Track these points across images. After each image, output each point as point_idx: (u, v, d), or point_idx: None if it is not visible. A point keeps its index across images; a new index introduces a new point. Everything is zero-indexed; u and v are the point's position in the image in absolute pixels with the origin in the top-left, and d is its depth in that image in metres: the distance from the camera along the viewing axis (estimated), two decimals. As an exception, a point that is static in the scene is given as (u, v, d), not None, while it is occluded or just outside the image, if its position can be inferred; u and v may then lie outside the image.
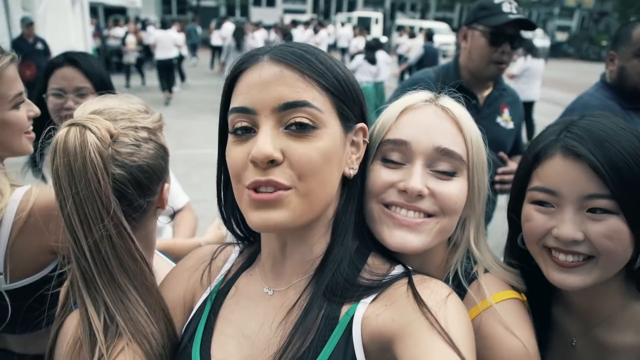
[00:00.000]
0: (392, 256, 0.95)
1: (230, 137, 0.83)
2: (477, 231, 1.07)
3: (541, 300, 1.12)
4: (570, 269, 0.99)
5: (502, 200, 1.19)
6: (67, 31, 10.51)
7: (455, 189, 0.98)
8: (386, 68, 9.67)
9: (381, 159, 1.01)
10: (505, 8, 2.11)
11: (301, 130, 0.78)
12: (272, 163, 0.77)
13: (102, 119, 0.95)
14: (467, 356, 0.71)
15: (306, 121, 0.78)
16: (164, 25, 13.33)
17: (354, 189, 0.92)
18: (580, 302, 1.10)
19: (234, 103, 0.82)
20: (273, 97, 0.78)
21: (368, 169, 1.00)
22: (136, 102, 1.11)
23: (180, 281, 1.02)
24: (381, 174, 0.99)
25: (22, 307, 1.22)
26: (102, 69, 2.00)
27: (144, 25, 17.17)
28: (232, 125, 0.82)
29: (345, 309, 0.83)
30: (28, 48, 8.17)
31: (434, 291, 0.81)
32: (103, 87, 1.88)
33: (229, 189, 0.91)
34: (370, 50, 9.35)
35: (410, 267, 0.91)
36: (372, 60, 9.22)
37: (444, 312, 0.77)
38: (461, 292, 1.01)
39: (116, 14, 19.55)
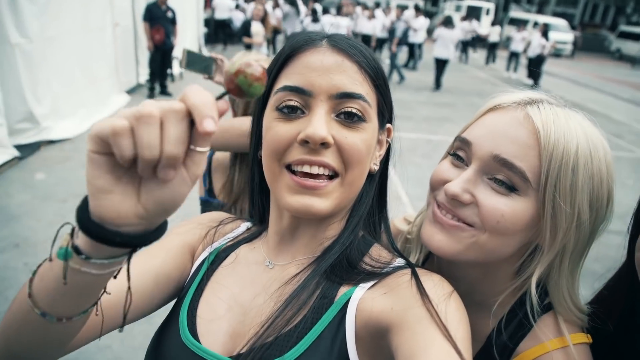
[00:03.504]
0: (396, 249, 0.94)
1: (274, 114, 0.83)
2: (557, 268, 0.91)
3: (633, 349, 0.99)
4: None
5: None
6: (182, 1, 11.12)
7: (504, 207, 0.86)
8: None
9: (451, 153, 0.97)
10: None
11: (352, 120, 0.81)
12: (323, 146, 0.79)
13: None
14: (464, 353, 0.68)
15: (358, 112, 0.81)
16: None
17: (373, 183, 0.94)
18: None
19: (287, 81, 0.82)
20: (332, 85, 0.80)
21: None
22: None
23: (189, 230, 1.02)
24: (440, 167, 0.97)
25: None
26: None
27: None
28: (279, 101, 0.82)
29: (342, 290, 0.83)
30: (160, 14, 9.11)
31: (437, 285, 0.79)
32: None
33: (256, 165, 0.94)
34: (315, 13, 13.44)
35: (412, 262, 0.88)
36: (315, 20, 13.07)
37: (445, 307, 0.74)
38: (525, 325, 0.93)
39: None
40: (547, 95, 0.95)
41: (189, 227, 1.03)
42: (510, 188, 0.87)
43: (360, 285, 0.82)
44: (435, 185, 0.96)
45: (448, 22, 13.24)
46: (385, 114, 0.90)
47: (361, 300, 0.80)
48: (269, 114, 0.84)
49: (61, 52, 6.53)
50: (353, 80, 0.81)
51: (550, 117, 0.87)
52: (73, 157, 6.11)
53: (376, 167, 0.92)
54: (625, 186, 6.97)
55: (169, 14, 9.21)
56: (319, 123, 0.77)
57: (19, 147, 5.80)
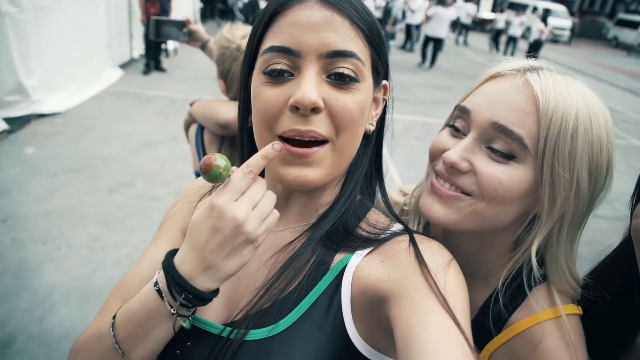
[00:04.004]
0: (394, 214, 0.92)
1: (261, 77, 0.77)
2: (555, 237, 0.91)
3: (629, 321, 0.99)
4: None
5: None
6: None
7: (501, 174, 0.85)
8: None
9: (449, 124, 0.96)
10: None
11: (344, 81, 0.75)
12: (314, 111, 0.74)
13: None
14: (463, 324, 0.67)
15: (350, 73, 0.75)
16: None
17: (369, 145, 0.90)
18: None
19: (273, 41, 0.76)
20: (322, 43, 0.73)
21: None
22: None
23: (177, 211, 1.00)
24: (439, 137, 0.96)
25: None
26: None
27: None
28: (266, 64, 0.76)
29: (339, 257, 0.81)
30: (155, -13, 8.77)
31: (436, 253, 0.77)
32: None
33: (246, 133, 0.90)
34: None
35: (409, 227, 0.86)
36: None
37: (444, 276, 0.73)
38: (519, 295, 0.94)
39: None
40: (547, 62, 0.94)
41: (177, 209, 1.01)
42: (508, 156, 0.86)
43: (357, 252, 0.81)
44: (434, 155, 0.96)
45: (443, 1, 13.50)
46: (381, 70, 0.84)
47: (358, 268, 0.79)
48: (257, 78, 0.79)
49: (53, 23, 6.39)
50: (344, 36, 0.74)
51: (550, 83, 0.85)
52: (64, 132, 6.03)
53: (372, 127, 0.87)
54: (616, 172, 7.00)
55: (164, -13, 9.02)
56: (309, 86, 0.72)
57: (8, 120, 5.70)
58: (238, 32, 2.04)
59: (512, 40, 16.79)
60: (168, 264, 0.71)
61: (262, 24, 0.79)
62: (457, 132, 0.93)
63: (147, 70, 9.32)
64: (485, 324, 0.96)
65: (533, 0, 29.28)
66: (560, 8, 27.67)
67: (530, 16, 18.96)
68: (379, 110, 0.89)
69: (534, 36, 14.87)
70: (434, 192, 0.93)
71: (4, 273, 3.40)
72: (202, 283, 0.70)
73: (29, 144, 5.56)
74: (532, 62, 0.93)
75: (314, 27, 0.73)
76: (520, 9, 17.81)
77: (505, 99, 0.86)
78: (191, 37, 2.41)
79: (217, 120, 1.98)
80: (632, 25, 29.01)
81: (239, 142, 0.93)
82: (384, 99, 0.89)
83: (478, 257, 1.00)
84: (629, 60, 24.27)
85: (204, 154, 2.16)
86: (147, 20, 8.77)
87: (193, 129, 2.21)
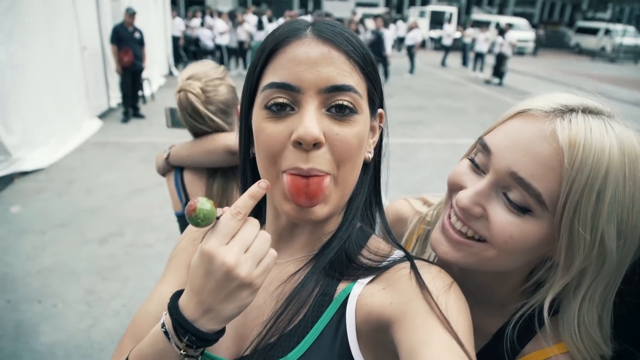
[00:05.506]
0: (394, 240, 0.93)
1: (263, 112, 0.79)
2: (572, 292, 0.85)
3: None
4: None
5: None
6: (148, 21, 11.10)
7: (513, 227, 0.81)
8: None
9: (470, 158, 0.92)
10: None
11: (343, 114, 0.77)
12: (315, 146, 0.75)
13: (194, 82, 1.86)
14: (466, 344, 0.68)
15: (349, 105, 0.77)
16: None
17: (368, 172, 0.92)
18: None
19: (273, 77, 0.78)
20: (321, 78, 0.75)
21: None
22: (209, 62, 1.97)
23: (181, 249, 1.02)
24: (459, 169, 0.93)
25: None
26: None
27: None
28: (268, 99, 0.78)
29: (341, 287, 0.82)
30: (127, 35, 8.99)
31: (436, 277, 0.78)
32: None
33: (248, 165, 0.92)
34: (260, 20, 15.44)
35: (410, 253, 0.87)
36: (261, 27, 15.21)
37: (446, 298, 0.74)
38: (531, 329, 0.91)
39: (195, 5, 20.33)
40: (588, 98, 0.84)
41: (182, 245, 1.03)
42: (523, 209, 0.81)
43: (359, 281, 0.82)
44: (452, 187, 0.93)
45: (387, 23, 15.10)
46: (376, 100, 0.86)
47: (360, 296, 0.80)
48: (258, 113, 0.81)
49: (30, 79, 6.42)
50: (342, 71, 0.77)
51: (581, 135, 0.76)
52: (48, 187, 6.00)
53: (370, 155, 0.89)
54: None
55: (137, 35, 9.11)
56: (310, 122, 0.74)
57: (-9, 181, 5.67)
58: (184, 74, 2.02)
59: (479, 56, 17.35)
60: (172, 306, 0.72)
61: (261, 60, 0.81)
62: (477, 168, 0.90)
63: (125, 119, 9.35)
64: (499, 351, 0.95)
65: (494, 16, 30.37)
66: (522, 21, 28.69)
67: (494, 32, 19.63)
68: (376, 138, 0.91)
69: (496, 50, 15.50)
70: (443, 231, 0.92)
71: (2, 337, 3.33)
72: (205, 325, 0.70)
73: (14, 203, 5.52)
74: (568, 100, 0.83)
75: (313, 62, 0.76)
76: (483, 25, 18.45)
77: (529, 147, 0.79)
78: None
79: (228, 148, 1.93)
80: (592, 32, 30.17)
81: (240, 173, 0.95)
82: (380, 127, 0.91)
83: (492, 289, 0.99)
84: (593, 64, 25.11)
85: (185, 194, 2.14)
86: (122, 69, 8.88)
87: (171, 177, 2.18)
